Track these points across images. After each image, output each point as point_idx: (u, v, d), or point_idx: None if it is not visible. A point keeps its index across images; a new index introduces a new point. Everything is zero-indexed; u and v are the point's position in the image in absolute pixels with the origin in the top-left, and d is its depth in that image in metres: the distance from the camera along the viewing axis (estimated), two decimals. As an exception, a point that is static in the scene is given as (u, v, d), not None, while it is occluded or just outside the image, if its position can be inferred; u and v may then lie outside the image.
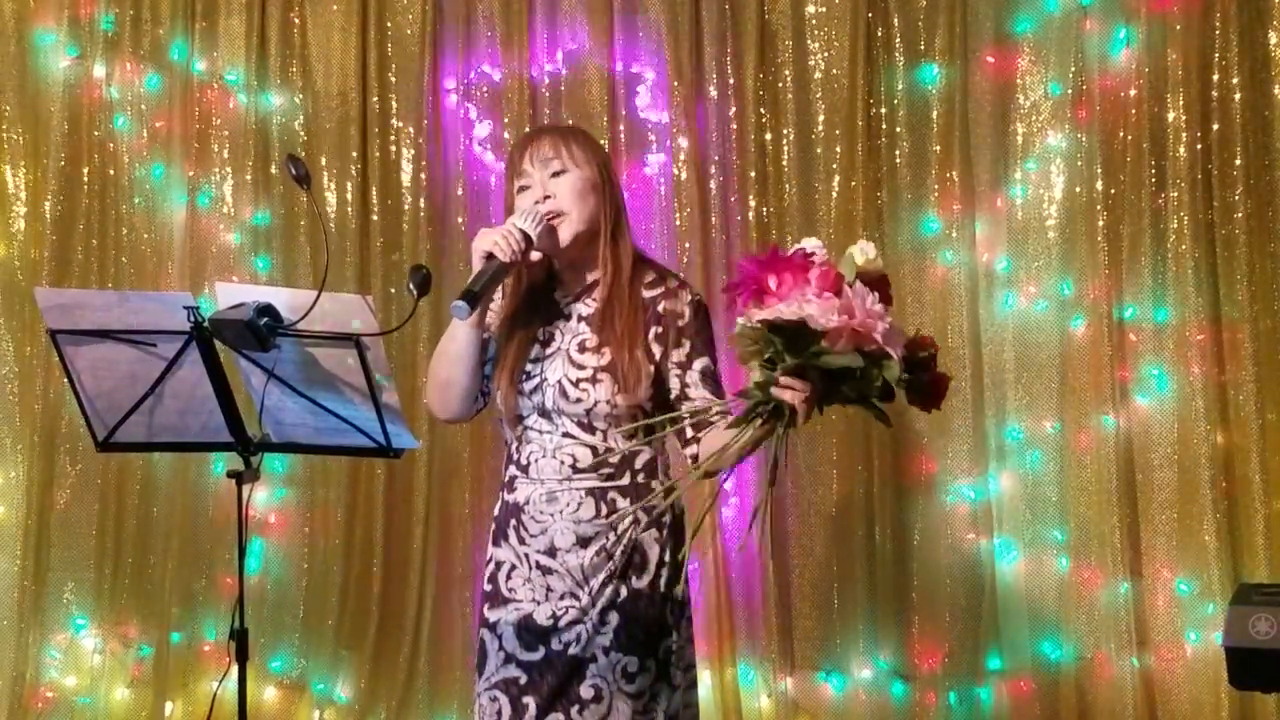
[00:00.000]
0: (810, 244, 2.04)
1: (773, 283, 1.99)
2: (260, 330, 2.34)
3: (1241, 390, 3.75)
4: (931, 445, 3.93)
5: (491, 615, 2.55)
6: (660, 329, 2.49)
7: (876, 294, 1.99)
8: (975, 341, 3.90)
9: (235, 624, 2.64)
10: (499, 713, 2.49)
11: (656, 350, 2.48)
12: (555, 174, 2.49)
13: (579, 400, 2.46)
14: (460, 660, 4.05)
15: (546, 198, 2.48)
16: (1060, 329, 3.88)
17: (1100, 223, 3.82)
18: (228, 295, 2.42)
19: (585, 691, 2.45)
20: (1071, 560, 3.86)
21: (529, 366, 2.51)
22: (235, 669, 2.65)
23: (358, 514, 4.14)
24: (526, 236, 2.41)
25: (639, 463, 2.51)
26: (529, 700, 2.47)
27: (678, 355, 2.49)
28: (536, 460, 2.51)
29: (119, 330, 2.43)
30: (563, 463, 2.48)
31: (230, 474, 2.59)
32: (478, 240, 2.41)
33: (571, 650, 2.47)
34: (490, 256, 2.38)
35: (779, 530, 3.96)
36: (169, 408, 2.52)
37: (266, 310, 2.35)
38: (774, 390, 2.00)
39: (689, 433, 2.46)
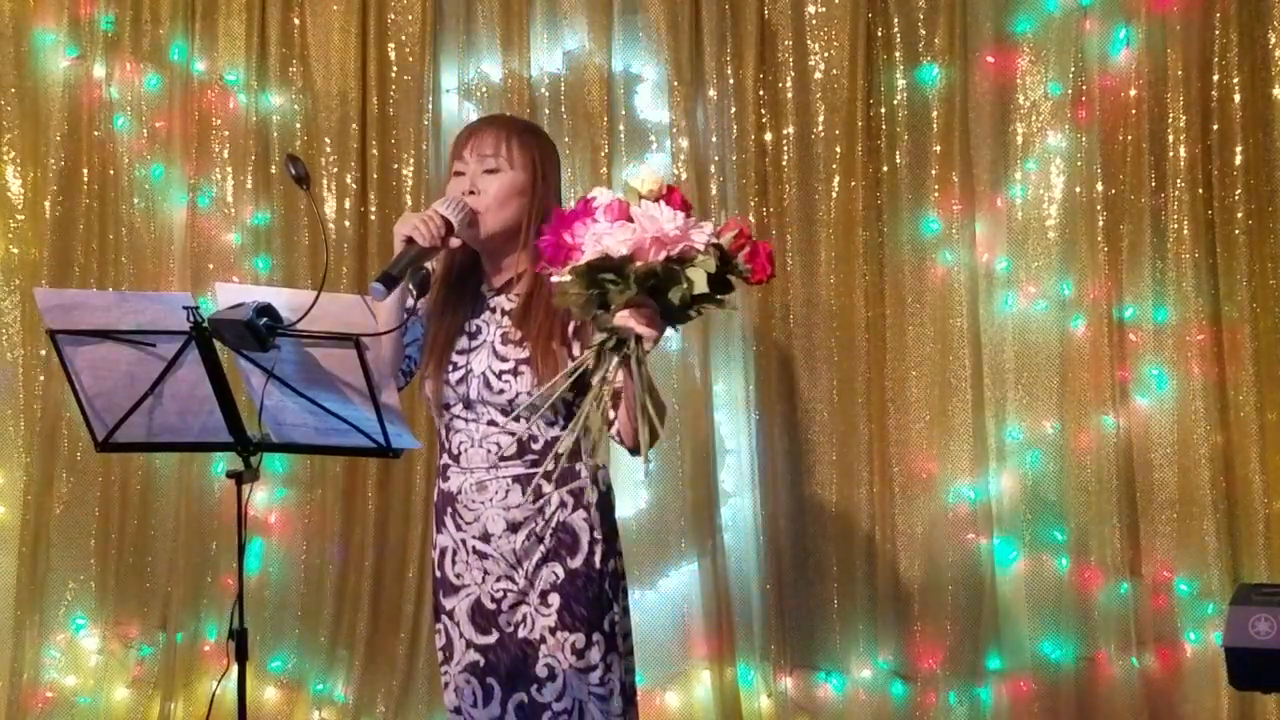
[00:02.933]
0: (596, 192, 2.15)
1: (569, 237, 2.07)
2: (260, 330, 2.34)
3: (1241, 390, 3.75)
4: (931, 445, 3.93)
5: (447, 603, 2.67)
6: (578, 323, 2.57)
7: (668, 206, 2.09)
8: (975, 341, 3.90)
9: (235, 624, 2.64)
10: (473, 694, 2.62)
11: (575, 344, 2.58)
12: (488, 170, 2.59)
13: (501, 391, 2.58)
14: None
15: (473, 192, 2.58)
16: (1060, 329, 3.88)
17: (1100, 223, 3.82)
18: (227, 295, 2.43)
19: (540, 671, 2.58)
20: (1071, 560, 3.85)
21: (456, 358, 2.63)
22: (235, 669, 2.66)
23: (355, 514, 4.13)
24: (447, 223, 2.51)
25: (562, 448, 2.56)
26: (492, 682, 2.61)
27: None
28: (465, 450, 2.63)
29: (119, 330, 2.43)
30: (489, 451, 2.60)
31: (230, 474, 2.60)
32: (399, 224, 2.51)
33: (521, 633, 2.60)
34: (410, 241, 2.48)
35: (778, 529, 3.96)
36: (168, 408, 2.52)
37: (266, 310, 2.36)
38: (617, 323, 2.16)
39: (610, 415, 2.48)
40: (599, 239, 2.07)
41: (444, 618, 2.67)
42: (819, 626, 3.97)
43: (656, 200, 2.14)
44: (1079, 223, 3.85)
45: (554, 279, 2.14)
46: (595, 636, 2.58)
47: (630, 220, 2.08)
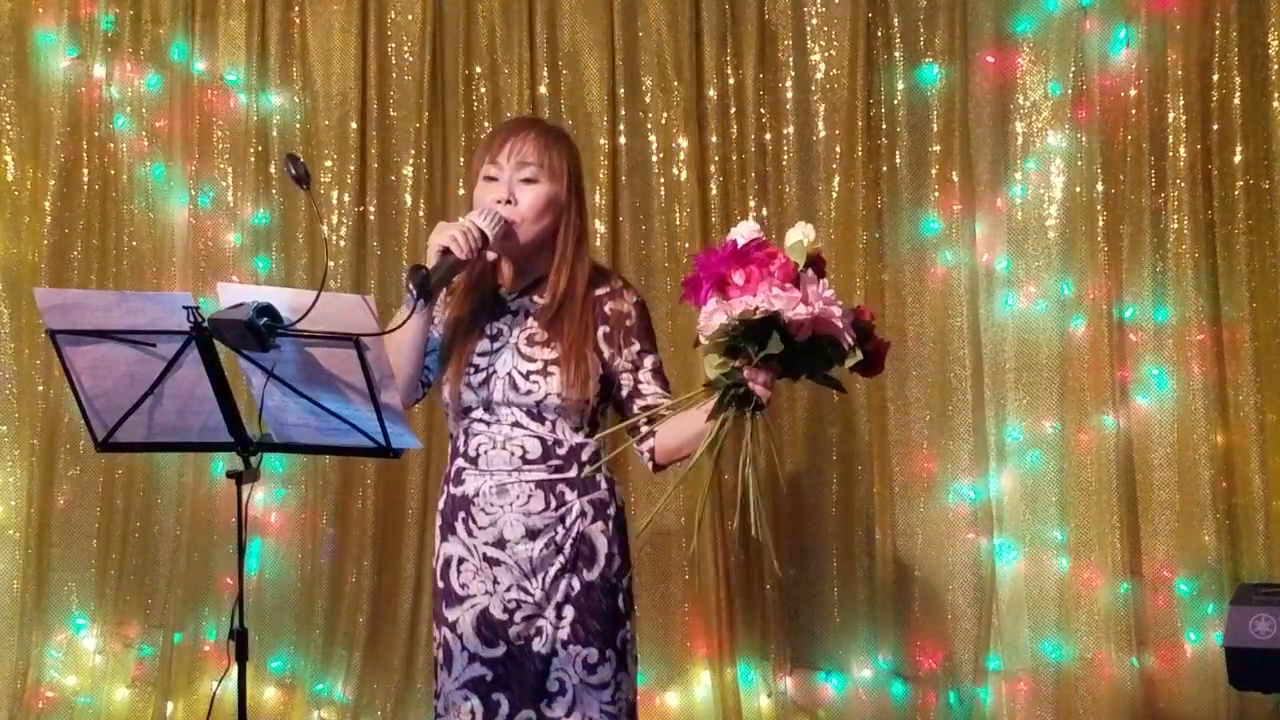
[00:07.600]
0: (748, 230, 2.10)
1: (738, 278, 2.05)
2: (260, 330, 2.34)
3: (1241, 390, 3.75)
4: (931, 445, 3.93)
5: (450, 614, 2.58)
6: (608, 329, 2.56)
7: (824, 278, 2.09)
8: (975, 341, 3.90)
9: (235, 624, 2.64)
10: (473, 711, 2.53)
11: (605, 349, 2.55)
12: (526, 179, 2.53)
13: (529, 392, 2.52)
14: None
15: (508, 201, 2.52)
16: (1060, 329, 3.88)
17: (1100, 223, 3.82)
18: (229, 295, 2.43)
19: (552, 685, 2.52)
20: (1071, 560, 3.85)
21: (476, 360, 2.57)
22: (235, 669, 2.65)
23: (354, 514, 4.14)
24: (484, 236, 2.46)
25: (585, 454, 2.56)
26: (499, 697, 2.52)
27: (628, 354, 2.56)
28: (486, 452, 2.56)
29: (118, 330, 2.43)
30: (513, 454, 2.54)
31: (230, 474, 2.59)
32: (435, 235, 2.46)
33: (535, 646, 2.52)
34: (446, 252, 2.44)
35: (779, 530, 3.95)
36: (168, 408, 2.52)
37: (266, 310, 2.35)
38: (747, 378, 2.15)
39: (642, 430, 2.54)
40: (771, 297, 2.05)
41: (444, 629, 2.59)
42: (819, 626, 3.97)
43: (813, 262, 2.13)
44: (1079, 223, 3.86)
45: (719, 319, 2.10)
46: (608, 653, 2.52)
47: (797, 286, 2.07)
